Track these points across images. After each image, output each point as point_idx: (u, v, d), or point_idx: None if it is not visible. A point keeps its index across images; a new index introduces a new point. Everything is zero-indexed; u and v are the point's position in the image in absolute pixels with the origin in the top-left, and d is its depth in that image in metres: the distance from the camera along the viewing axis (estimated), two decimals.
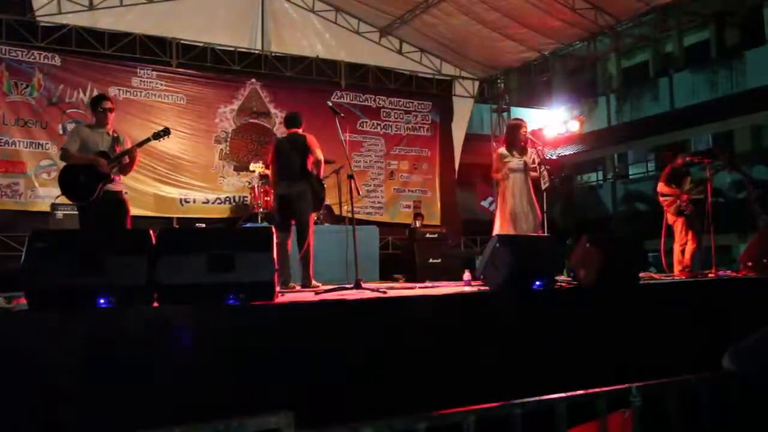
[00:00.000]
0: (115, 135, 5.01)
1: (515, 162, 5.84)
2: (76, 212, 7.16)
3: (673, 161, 7.18)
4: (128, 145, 5.01)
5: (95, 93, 8.54)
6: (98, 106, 5.00)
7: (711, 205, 6.66)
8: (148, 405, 2.64)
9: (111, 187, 4.85)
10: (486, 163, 11.95)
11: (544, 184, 5.96)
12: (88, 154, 4.81)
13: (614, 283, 4.39)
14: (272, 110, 9.78)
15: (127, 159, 4.94)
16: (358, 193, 5.26)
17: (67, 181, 4.83)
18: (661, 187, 7.05)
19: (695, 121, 16.01)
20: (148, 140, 5.10)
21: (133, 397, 2.65)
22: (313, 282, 5.41)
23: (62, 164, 8.52)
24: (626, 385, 1.90)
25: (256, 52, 9.69)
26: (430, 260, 8.49)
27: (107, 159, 4.83)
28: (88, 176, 4.76)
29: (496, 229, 5.83)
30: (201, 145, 9.16)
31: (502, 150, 5.94)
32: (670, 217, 7.01)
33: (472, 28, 9.69)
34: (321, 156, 5.54)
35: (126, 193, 5.09)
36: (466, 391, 3.05)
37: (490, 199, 14.04)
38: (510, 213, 5.75)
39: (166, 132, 5.21)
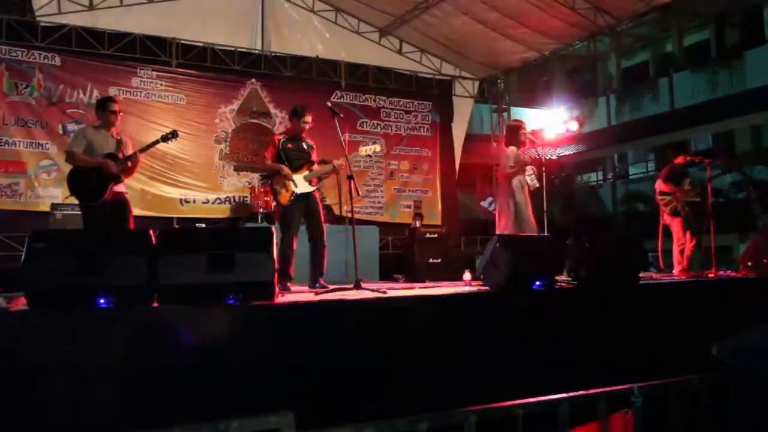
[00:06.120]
0: (119, 138, 5.07)
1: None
2: (77, 212, 7.24)
3: (674, 158, 7.12)
4: (130, 149, 5.04)
5: (95, 93, 8.56)
6: (105, 108, 5.02)
7: (711, 205, 6.64)
8: (148, 405, 2.63)
9: (116, 187, 4.91)
10: (486, 163, 11.95)
11: (533, 186, 5.94)
12: (96, 157, 4.85)
13: (614, 283, 4.39)
14: (272, 110, 9.77)
15: (129, 163, 4.98)
16: (358, 194, 5.25)
17: (76, 182, 4.87)
18: (659, 184, 6.97)
19: (695, 121, 16.00)
20: (156, 143, 5.17)
21: (133, 397, 2.65)
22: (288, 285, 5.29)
23: (63, 164, 8.59)
24: (628, 386, 1.90)
25: (256, 52, 9.68)
26: (430, 260, 8.47)
27: (115, 161, 4.88)
28: (99, 177, 4.81)
29: (506, 229, 5.75)
30: (201, 145, 9.14)
31: (514, 149, 5.87)
32: (666, 218, 6.93)
33: (472, 28, 9.67)
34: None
35: (127, 193, 5.12)
36: (467, 392, 3.05)
37: (489, 199, 14.00)
38: (521, 213, 5.70)
39: (173, 135, 5.27)
